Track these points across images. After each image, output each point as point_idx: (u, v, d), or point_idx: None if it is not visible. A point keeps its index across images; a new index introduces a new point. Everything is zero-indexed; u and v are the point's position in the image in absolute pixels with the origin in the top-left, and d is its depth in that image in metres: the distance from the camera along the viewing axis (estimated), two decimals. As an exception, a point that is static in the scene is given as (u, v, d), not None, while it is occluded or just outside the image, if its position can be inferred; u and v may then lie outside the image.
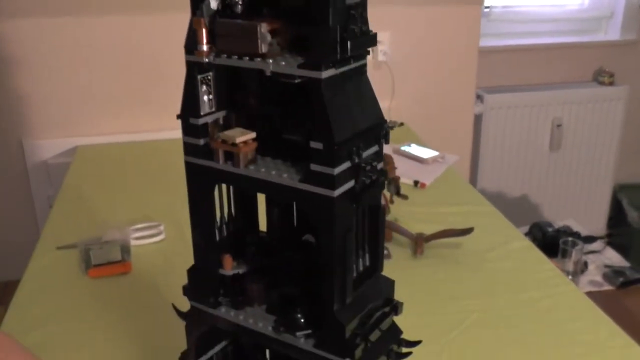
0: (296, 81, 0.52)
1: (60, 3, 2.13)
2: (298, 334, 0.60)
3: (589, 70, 3.04)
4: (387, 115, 1.76)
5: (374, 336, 0.61)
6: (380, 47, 2.36)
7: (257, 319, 0.63)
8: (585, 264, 2.74)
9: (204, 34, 0.55)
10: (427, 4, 2.40)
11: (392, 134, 1.83)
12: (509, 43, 2.93)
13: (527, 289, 1.29)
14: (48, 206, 2.13)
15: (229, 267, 0.65)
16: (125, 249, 1.39)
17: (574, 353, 1.10)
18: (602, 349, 1.11)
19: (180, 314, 0.71)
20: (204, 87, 0.57)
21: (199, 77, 0.56)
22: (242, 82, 0.59)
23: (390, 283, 0.64)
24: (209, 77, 0.57)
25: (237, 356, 0.75)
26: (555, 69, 3.00)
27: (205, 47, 0.55)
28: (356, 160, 0.54)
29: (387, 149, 1.84)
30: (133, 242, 1.45)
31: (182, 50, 0.57)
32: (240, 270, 0.65)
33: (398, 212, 1.54)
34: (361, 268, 0.62)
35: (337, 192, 0.54)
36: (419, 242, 1.40)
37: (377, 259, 0.63)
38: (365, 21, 0.56)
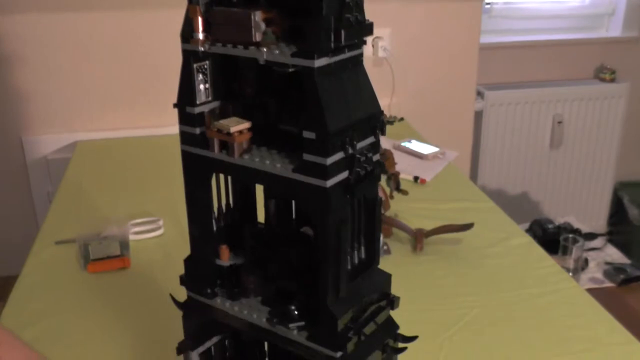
0: (290, 70, 0.52)
1: (59, -2, 2.13)
2: (291, 325, 0.59)
3: (590, 67, 3.03)
4: (388, 112, 1.77)
5: (368, 330, 0.60)
6: (380, 43, 2.35)
7: (252, 311, 0.63)
8: (586, 261, 2.73)
9: (199, 22, 0.54)
10: (427, 0, 2.39)
11: (393, 129, 1.85)
12: (509, 40, 2.93)
13: (528, 285, 1.29)
14: (47, 202, 2.12)
15: (226, 258, 0.65)
16: (124, 244, 1.39)
17: (574, 349, 1.09)
18: (603, 345, 1.10)
19: (177, 304, 0.71)
20: (200, 76, 0.57)
21: (194, 65, 0.56)
22: (238, 72, 0.59)
23: (386, 277, 0.64)
24: (205, 66, 0.57)
25: (236, 349, 0.75)
26: (557, 65, 2.99)
27: (201, 36, 0.55)
28: (350, 151, 0.54)
29: (387, 145, 1.84)
30: (132, 237, 1.44)
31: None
32: (237, 262, 0.64)
33: (398, 207, 1.53)
34: (356, 261, 0.61)
35: (330, 183, 0.53)
36: (419, 238, 1.40)
37: (373, 252, 0.62)
38: (360, 10, 0.55)
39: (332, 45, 0.52)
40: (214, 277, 0.66)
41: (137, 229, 1.48)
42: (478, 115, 2.80)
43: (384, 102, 2.37)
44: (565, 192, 3.07)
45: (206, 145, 0.59)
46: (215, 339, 0.73)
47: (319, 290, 0.57)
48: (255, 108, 0.59)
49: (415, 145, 2.00)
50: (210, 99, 0.59)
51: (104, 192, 1.74)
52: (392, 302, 0.64)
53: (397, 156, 1.58)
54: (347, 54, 0.55)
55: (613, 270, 2.72)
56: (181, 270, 0.75)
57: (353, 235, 0.60)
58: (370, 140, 0.57)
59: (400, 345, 0.67)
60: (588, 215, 3.09)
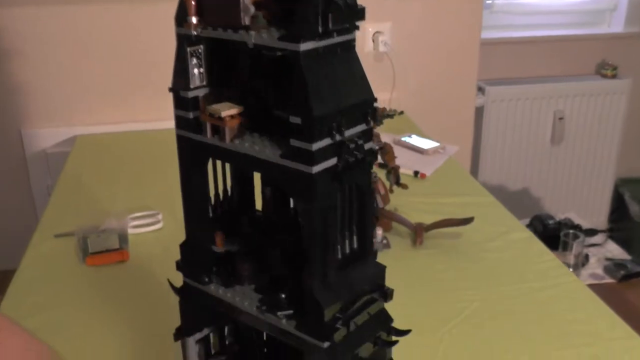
0: (278, 54, 0.51)
1: (59, -8, 2.12)
2: (279, 313, 0.59)
3: (591, 62, 3.02)
4: (388, 106, 1.76)
5: (359, 321, 0.60)
6: (381, 37, 2.35)
7: (244, 298, 0.62)
8: (587, 257, 2.73)
9: (192, 6, 0.54)
10: (428, -5, 2.39)
11: (393, 124, 1.84)
12: (511, 35, 2.92)
13: (528, 279, 1.28)
14: (47, 195, 2.12)
15: (221, 244, 0.64)
16: (123, 237, 1.39)
17: (574, 343, 1.09)
18: (603, 340, 1.10)
19: (174, 289, 0.71)
20: (195, 60, 0.57)
21: (188, 49, 0.56)
22: (232, 57, 0.58)
23: (380, 269, 0.63)
24: (199, 51, 0.57)
25: (235, 337, 0.74)
26: (558, 61, 2.99)
27: (194, 20, 0.54)
28: (337, 137, 0.53)
29: (387, 139, 1.83)
30: (131, 231, 1.44)
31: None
32: (233, 249, 0.64)
33: (398, 202, 1.53)
34: (348, 250, 0.60)
35: (317, 169, 0.53)
36: (418, 232, 1.40)
37: (366, 242, 0.61)
38: None
39: (320, 29, 0.51)
40: (210, 264, 0.66)
41: (136, 222, 1.47)
42: (479, 111, 2.79)
43: (384, 97, 2.37)
44: (566, 188, 3.06)
45: (199, 129, 0.59)
46: (213, 327, 0.73)
47: (304, 278, 0.56)
48: (249, 94, 0.58)
49: (415, 140, 2.00)
50: (204, 83, 0.59)
51: (103, 185, 1.74)
52: (386, 294, 0.63)
53: (397, 151, 1.58)
54: (336, 39, 0.54)
55: (613, 266, 2.71)
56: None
57: (344, 224, 0.59)
58: (362, 127, 0.56)
59: (393, 338, 0.66)
60: (589, 211, 3.08)
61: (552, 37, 2.95)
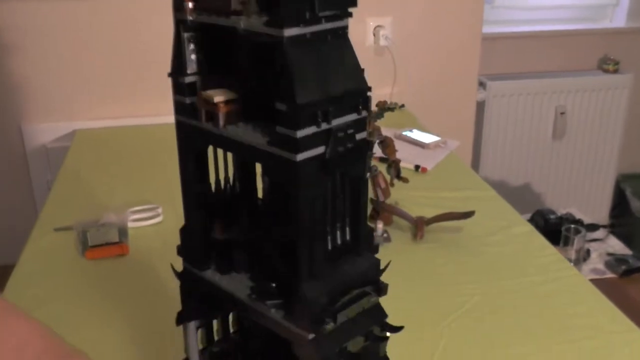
0: (265, 40, 0.51)
1: (59, -14, 2.11)
2: (268, 302, 0.58)
3: (593, 57, 3.01)
4: (389, 100, 1.75)
5: (349, 315, 0.59)
6: (382, 32, 2.34)
7: (238, 286, 0.62)
8: (588, 252, 2.73)
9: None
10: (430, -11, 2.38)
11: (394, 118, 1.83)
12: (512, 30, 2.91)
13: (529, 273, 1.28)
14: (47, 190, 2.12)
15: (220, 231, 0.64)
16: (123, 231, 1.38)
17: (575, 337, 1.08)
18: (604, 333, 1.09)
19: (175, 273, 0.70)
20: (192, 46, 0.57)
21: (184, 34, 0.56)
22: (228, 44, 0.58)
23: (374, 262, 0.62)
24: (196, 37, 0.57)
25: (240, 326, 0.74)
26: (560, 56, 2.98)
27: (190, 5, 0.54)
28: (324, 126, 0.52)
29: (388, 134, 1.83)
30: (131, 225, 1.44)
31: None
32: (232, 236, 0.64)
33: (399, 196, 1.52)
34: (339, 242, 0.60)
35: (302, 157, 0.52)
36: (419, 226, 1.39)
37: (359, 234, 0.60)
38: None
39: (307, 15, 0.51)
40: (208, 250, 0.66)
41: (135, 216, 1.47)
42: (480, 106, 2.79)
43: (385, 91, 2.36)
44: (567, 184, 3.05)
45: (196, 115, 0.59)
46: (216, 315, 0.72)
47: (291, 267, 0.56)
48: (243, 80, 0.58)
49: (416, 135, 1.99)
50: (201, 69, 0.58)
51: (103, 180, 1.73)
52: (379, 289, 0.62)
53: (399, 145, 1.57)
54: (324, 25, 0.53)
55: (615, 261, 2.71)
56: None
57: (335, 215, 0.58)
58: (353, 117, 0.56)
59: (384, 334, 0.65)
60: (590, 207, 3.08)
61: (553, 32, 2.94)
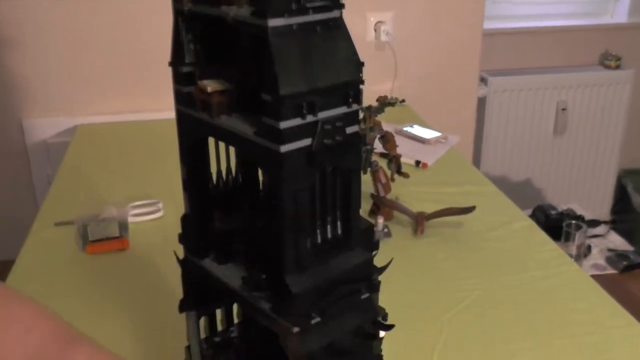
0: (254, 31, 0.51)
1: (59, -19, 2.11)
2: (256, 294, 0.58)
3: (595, 53, 3.01)
4: (390, 96, 1.75)
5: (338, 310, 0.58)
6: (383, 27, 2.33)
7: (233, 276, 0.62)
8: (589, 248, 2.72)
9: None
10: (431, -16, 2.37)
11: (395, 114, 1.83)
12: (513, 26, 2.90)
13: (529, 268, 1.27)
14: (47, 185, 2.12)
15: (219, 222, 0.64)
16: (123, 226, 1.38)
17: (575, 332, 1.08)
18: (605, 328, 1.09)
19: (178, 260, 0.71)
20: (190, 36, 0.57)
21: (182, 24, 0.56)
22: (225, 34, 0.58)
23: (367, 258, 0.61)
24: (195, 27, 0.56)
25: (244, 317, 0.74)
26: (561, 52, 2.97)
27: None
28: (309, 118, 0.52)
29: (389, 129, 1.82)
30: (131, 219, 1.43)
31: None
32: (231, 227, 0.64)
33: (399, 191, 1.52)
34: (329, 236, 0.59)
35: (286, 148, 0.52)
36: (420, 221, 1.39)
37: (351, 229, 0.60)
38: None
39: (294, 5, 0.50)
40: (207, 240, 0.66)
41: (136, 211, 1.47)
42: (481, 102, 2.78)
43: (386, 87, 2.35)
44: (568, 180, 3.05)
45: (193, 105, 0.59)
46: (219, 305, 0.72)
47: (276, 260, 0.55)
48: (239, 71, 0.58)
49: (417, 130, 1.99)
50: (200, 60, 0.58)
51: (103, 175, 1.73)
52: (371, 285, 0.61)
53: (399, 141, 1.57)
54: (312, 17, 0.52)
55: (616, 257, 2.70)
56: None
57: (324, 208, 0.58)
58: (342, 109, 0.55)
59: (374, 332, 0.64)
60: (592, 202, 3.08)
61: (555, 28, 2.93)
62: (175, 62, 0.58)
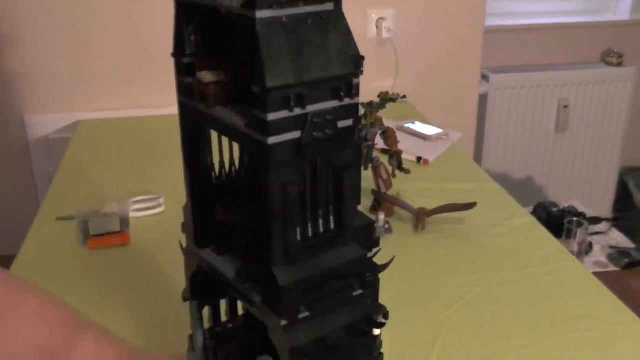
0: (243, 22, 0.51)
1: (61, -23, 2.11)
2: (247, 285, 0.58)
3: (597, 50, 3.00)
4: (391, 91, 1.74)
5: (329, 305, 0.58)
6: (384, 24, 2.33)
7: (229, 267, 0.62)
8: (590, 245, 2.72)
9: None
10: (432, -19, 2.37)
11: (396, 110, 1.83)
12: (515, 23, 2.90)
13: (530, 264, 1.27)
14: (49, 181, 2.12)
15: (220, 214, 0.64)
16: (124, 220, 1.38)
17: (576, 328, 1.08)
18: (606, 325, 1.09)
19: (182, 248, 0.71)
20: (190, 27, 0.56)
21: (182, 15, 0.56)
22: (223, 26, 0.58)
23: (361, 254, 0.60)
24: (195, 18, 0.56)
25: (248, 311, 0.73)
26: (563, 49, 2.97)
27: None
28: (297, 111, 0.52)
29: (391, 125, 1.82)
30: (132, 214, 1.44)
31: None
32: (232, 219, 0.63)
33: (400, 187, 1.52)
34: (321, 230, 0.59)
35: (273, 140, 0.51)
36: (420, 217, 1.39)
37: (344, 224, 0.59)
38: None
39: None
40: (207, 230, 0.66)
41: (137, 206, 1.47)
42: (483, 99, 2.78)
43: (387, 83, 2.35)
44: (570, 177, 3.05)
45: (193, 95, 0.59)
46: (224, 296, 0.72)
47: (266, 252, 0.55)
48: (236, 63, 0.58)
49: (418, 127, 1.99)
50: (200, 51, 0.58)
51: (104, 170, 1.73)
52: (366, 282, 0.61)
53: (401, 137, 1.57)
54: (303, 8, 0.52)
55: (617, 254, 2.70)
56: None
57: (315, 202, 0.57)
58: (334, 103, 0.55)
59: (367, 329, 0.64)
60: (593, 200, 3.07)
61: (557, 25, 2.93)
62: (177, 53, 0.58)
